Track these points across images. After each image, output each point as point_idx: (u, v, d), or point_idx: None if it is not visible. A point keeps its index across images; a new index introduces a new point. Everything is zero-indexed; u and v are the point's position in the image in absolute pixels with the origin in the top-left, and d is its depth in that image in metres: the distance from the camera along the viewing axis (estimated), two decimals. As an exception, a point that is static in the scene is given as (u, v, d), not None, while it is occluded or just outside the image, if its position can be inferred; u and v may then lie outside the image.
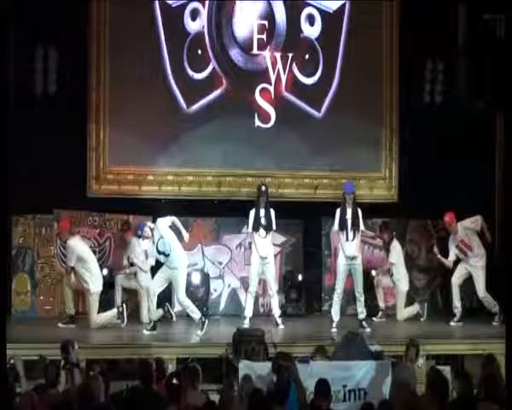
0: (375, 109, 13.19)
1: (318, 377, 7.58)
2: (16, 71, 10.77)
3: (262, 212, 11.31)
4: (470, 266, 11.78)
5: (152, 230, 10.84)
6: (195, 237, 12.36)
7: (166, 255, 10.75)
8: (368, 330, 11.10)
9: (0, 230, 6.75)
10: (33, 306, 12.09)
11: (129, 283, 11.80)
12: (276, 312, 11.44)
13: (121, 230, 12.10)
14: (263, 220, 11.29)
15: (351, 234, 11.20)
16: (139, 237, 11.11)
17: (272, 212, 11.33)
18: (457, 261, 11.90)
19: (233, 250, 12.79)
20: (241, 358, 9.13)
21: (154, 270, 11.02)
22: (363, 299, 11.34)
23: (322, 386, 7.39)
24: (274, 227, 11.37)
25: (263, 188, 11.42)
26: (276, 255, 12.16)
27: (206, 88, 12.76)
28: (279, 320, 11.35)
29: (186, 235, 10.98)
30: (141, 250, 11.45)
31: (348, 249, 11.20)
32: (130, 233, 11.81)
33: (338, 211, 11.28)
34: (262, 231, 11.29)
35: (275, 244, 12.07)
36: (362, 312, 11.33)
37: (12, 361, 7.62)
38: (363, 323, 11.23)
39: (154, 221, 11.17)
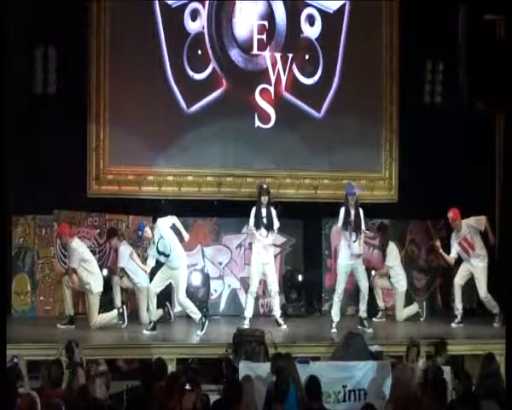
0: (375, 110, 13.18)
1: (309, 375, 7.50)
2: (16, 71, 10.81)
3: (263, 211, 11.29)
4: (472, 267, 11.72)
5: (152, 230, 10.83)
6: (195, 238, 12.34)
7: (167, 256, 10.74)
8: (369, 330, 11.06)
9: (0, 230, 6.76)
10: (33, 306, 12.08)
11: (126, 283, 11.75)
12: (277, 312, 11.43)
13: (106, 238, 12.04)
14: (264, 220, 11.27)
15: (353, 235, 11.17)
16: (139, 237, 11.07)
17: (273, 211, 11.32)
18: (460, 262, 11.87)
19: (233, 251, 12.77)
20: (241, 358, 9.13)
21: (154, 270, 11.00)
22: (367, 296, 11.27)
23: (313, 385, 7.32)
24: (277, 225, 11.32)
25: (264, 186, 11.41)
26: (276, 255, 12.15)
27: (206, 88, 12.75)
28: (279, 321, 11.35)
29: (186, 235, 10.97)
30: (128, 254, 11.38)
31: (351, 250, 11.16)
32: (114, 241, 11.72)
33: (342, 210, 11.14)
34: (263, 231, 11.27)
35: (275, 244, 12.04)
36: (363, 310, 11.27)
37: (15, 360, 7.60)
38: (364, 322, 11.20)
39: (154, 221, 11.17)
